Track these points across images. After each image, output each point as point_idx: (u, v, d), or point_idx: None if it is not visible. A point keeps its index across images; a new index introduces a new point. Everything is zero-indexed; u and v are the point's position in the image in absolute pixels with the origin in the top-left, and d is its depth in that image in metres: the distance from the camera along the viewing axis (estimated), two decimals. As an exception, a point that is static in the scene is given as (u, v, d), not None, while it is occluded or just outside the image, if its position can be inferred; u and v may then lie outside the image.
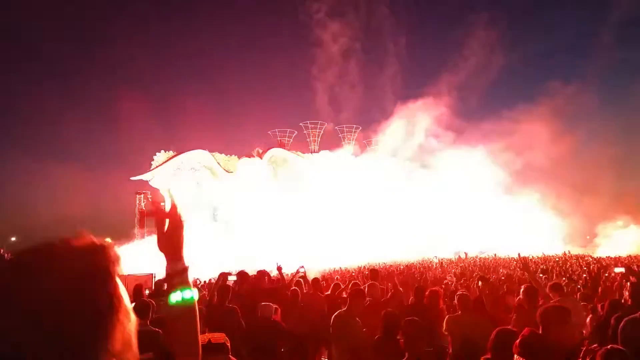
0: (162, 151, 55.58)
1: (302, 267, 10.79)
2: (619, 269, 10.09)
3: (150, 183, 55.29)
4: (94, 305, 0.89)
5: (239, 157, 59.03)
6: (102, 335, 0.88)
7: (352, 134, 72.42)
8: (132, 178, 54.92)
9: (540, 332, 3.90)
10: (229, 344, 3.96)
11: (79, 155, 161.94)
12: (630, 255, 31.78)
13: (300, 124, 69.57)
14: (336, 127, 72.01)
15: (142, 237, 54.67)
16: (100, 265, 0.97)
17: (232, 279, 9.07)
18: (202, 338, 3.41)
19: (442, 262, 34.62)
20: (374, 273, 11.63)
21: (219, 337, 4.00)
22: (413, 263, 35.09)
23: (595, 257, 33.96)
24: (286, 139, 66.32)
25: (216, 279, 9.62)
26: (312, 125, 69.21)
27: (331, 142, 70.37)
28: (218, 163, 57.39)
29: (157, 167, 54.08)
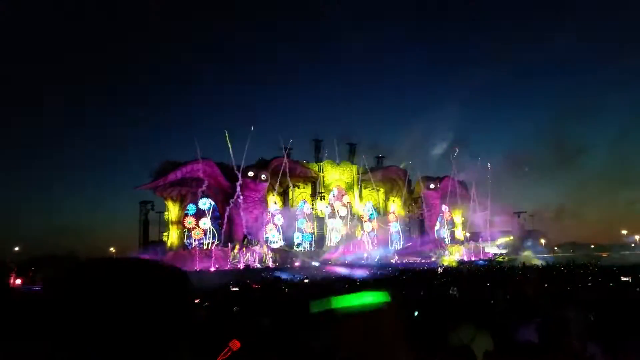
0: (167, 160, 55.71)
1: (306, 277, 10.84)
2: (625, 279, 10.07)
3: (154, 193, 55.47)
4: (185, 314, 1.21)
5: (244, 167, 59.10)
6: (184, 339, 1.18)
7: (357, 146, 72.55)
8: (136, 188, 55.01)
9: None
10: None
11: (81, 164, 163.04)
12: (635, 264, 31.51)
13: (307, 135, 70.06)
14: (344, 140, 72.53)
15: (145, 246, 54.76)
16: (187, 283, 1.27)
17: (235, 289, 9.11)
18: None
19: (446, 270, 34.34)
20: (377, 284, 11.61)
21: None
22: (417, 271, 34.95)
23: (600, 265, 33.70)
24: (290, 149, 66.40)
25: (220, 289, 9.64)
26: (317, 137, 69.56)
27: (335, 154, 70.83)
28: (222, 173, 57.49)
29: (161, 177, 54.11)
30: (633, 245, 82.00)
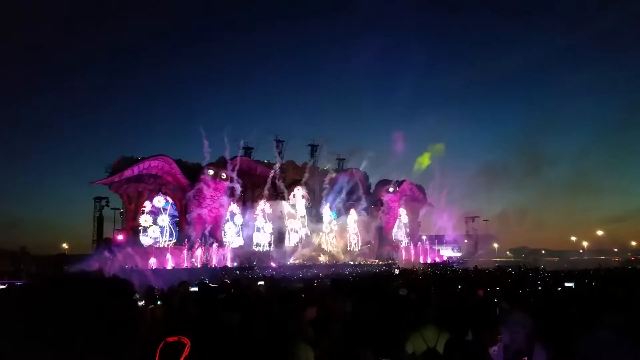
0: (123, 156, 54.39)
1: (262, 282, 10.85)
2: (569, 284, 10.50)
3: (109, 189, 54.17)
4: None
5: (204, 164, 58.42)
6: None
7: (319, 147, 72.79)
8: (92, 183, 53.59)
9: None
10: (187, 344, 3.91)
11: (34, 157, 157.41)
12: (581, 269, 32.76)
13: (270, 135, 69.97)
14: (306, 141, 72.92)
15: (99, 243, 53.45)
16: None
17: (193, 288, 9.06)
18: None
19: (401, 272, 34.87)
20: (334, 283, 11.70)
21: (174, 338, 3.96)
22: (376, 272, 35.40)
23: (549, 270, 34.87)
24: (251, 148, 65.98)
25: (178, 287, 9.54)
26: (279, 137, 69.49)
27: (297, 155, 71.29)
28: (181, 170, 56.60)
29: (117, 172, 52.81)
30: (581, 251, 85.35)
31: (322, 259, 62.78)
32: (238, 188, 59.93)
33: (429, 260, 67.95)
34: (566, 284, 11.09)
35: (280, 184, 66.07)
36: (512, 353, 5.66)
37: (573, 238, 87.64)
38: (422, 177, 77.46)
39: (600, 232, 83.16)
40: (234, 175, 59.08)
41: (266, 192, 64.81)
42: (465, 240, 76.38)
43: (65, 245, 65.35)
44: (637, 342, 4.09)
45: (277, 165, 66.57)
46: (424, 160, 73.50)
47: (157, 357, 3.36)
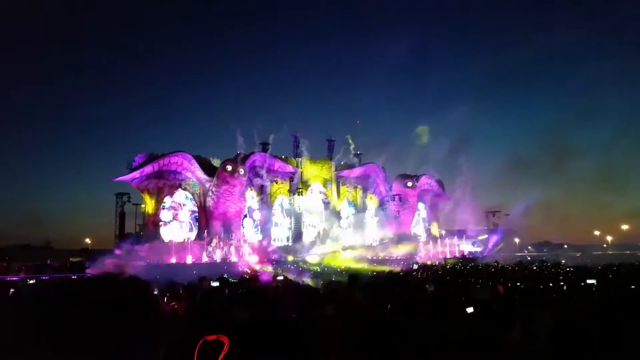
0: (144, 153, 55.09)
1: (281, 277, 10.97)
2: (591, 280, 10.37)
3: (130, 185, 54.87)
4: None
5: (221, 160, 58.79)
6: None
7: (336, 143, 72.73)
8: (113, 179, 54.30)
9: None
10: (225, 342, 3.95)
11: (57, 154, 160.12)
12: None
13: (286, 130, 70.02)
14: (324, 137, 72.96)
15: (121, 238, 54.22)
16: None
17: (214, 284, 9.18)
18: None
19: (420, 268, 34.77)
20: (352, 279, 11.70)
21: (213, 336, 4.01)
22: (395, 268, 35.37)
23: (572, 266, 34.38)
24: (269, 144, 66.16)
25: (199, 283, 9.68)
26: (296, 133, 69.51)
27: (315, 151, 71.26)
28: (200, 166, 57.11)
29: (138, 169, 53.49)
30: (605, 246, 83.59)
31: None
32: (267, 185, 60.63)
33: (448, 255, 67.43)
34: (588, 281, 10.93)
35: (298, 179, 66.29)
36: (530, 348, 5.65)
37: (597, 232, 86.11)
38: (442, 171, 76.73)
39: (625, 227, 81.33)
40: (264, 171, 59.99)
41: (287, 187, 65.16)
42: (486, 235, 75.53)
43: (88, 240, 66.42)
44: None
45: (295, 160, 66.78)
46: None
47: (195, 356, 3.41)
